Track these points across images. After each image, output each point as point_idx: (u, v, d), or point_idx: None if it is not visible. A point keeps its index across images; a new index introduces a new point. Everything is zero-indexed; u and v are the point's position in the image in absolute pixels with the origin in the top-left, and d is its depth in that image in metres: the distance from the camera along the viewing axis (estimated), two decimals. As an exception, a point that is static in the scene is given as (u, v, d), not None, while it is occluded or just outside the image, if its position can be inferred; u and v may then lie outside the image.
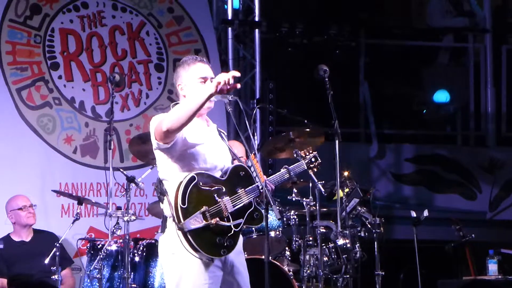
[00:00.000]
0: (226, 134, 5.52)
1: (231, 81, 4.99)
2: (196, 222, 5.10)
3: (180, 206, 5.10)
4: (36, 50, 9.12)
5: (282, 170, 5.63)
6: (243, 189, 5.24)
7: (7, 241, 8.12)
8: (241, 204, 5.21)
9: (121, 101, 9.28)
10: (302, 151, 6.05)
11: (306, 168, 5.92)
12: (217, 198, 5.16)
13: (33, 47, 9.11)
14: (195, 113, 5.01)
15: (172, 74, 9.36)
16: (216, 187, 5.20)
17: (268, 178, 5.48)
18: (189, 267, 5.13)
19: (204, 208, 5.12)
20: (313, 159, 6.02)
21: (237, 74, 5.03)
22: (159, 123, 5.10)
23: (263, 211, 5.17)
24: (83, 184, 9.05)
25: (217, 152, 5.29)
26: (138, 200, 9.04)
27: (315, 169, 6.04)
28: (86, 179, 9.05)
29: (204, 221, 5.10)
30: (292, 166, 5.70)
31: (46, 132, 9.01)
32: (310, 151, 6.04)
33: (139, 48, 9.44)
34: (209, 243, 5.09)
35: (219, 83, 4.96)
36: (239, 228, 5.18)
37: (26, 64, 9.07)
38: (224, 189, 5.20)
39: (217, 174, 5.26)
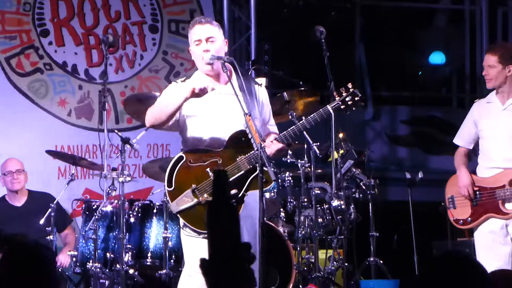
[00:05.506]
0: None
1: (208, 91, 5.08)
2: (183, 202, 5.10)
3: (167, 190, 5.14)
4: (25, 18, 9.03)
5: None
6: (242, 156, 5.16)
7: (1, 202, 8.12)
8: (239, 174, 5.15)
9: (115, 63, 9.23)
10: (342, 88, 5.35)
11: (341, 105, 5.28)
12: (209, 173, 5.13)
13: (22, 16, 9.02)
14: (174, 113, 5.10)
15: (166, 35, 9.38)
16: (211, 160, 5.15)
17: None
18: (189, 246, 5.21)
19: (193, 186, 5.12)
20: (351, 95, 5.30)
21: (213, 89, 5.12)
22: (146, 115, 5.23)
23: (269, 171, 4.94)
24: (78, 146, 9.04)
25: (219, 121, 5.24)
26: (132, 162, 9.02)
27: (353, 108, 5.33)
28: (81, 141, 9.03)
29: (195, 199, 5.10)
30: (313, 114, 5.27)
31: (39, 96, 8.97)
32: (350, 87, 5.31)
33: (133, 9, 9.36)
34: (203, 219, 5.06)
35: (194, 89, 5.02)
36: (237, 198, 5.12)
37: (15, 33, 8.98)
38: (220, 161, 5.16)
39: (217, 144, 5.21)
